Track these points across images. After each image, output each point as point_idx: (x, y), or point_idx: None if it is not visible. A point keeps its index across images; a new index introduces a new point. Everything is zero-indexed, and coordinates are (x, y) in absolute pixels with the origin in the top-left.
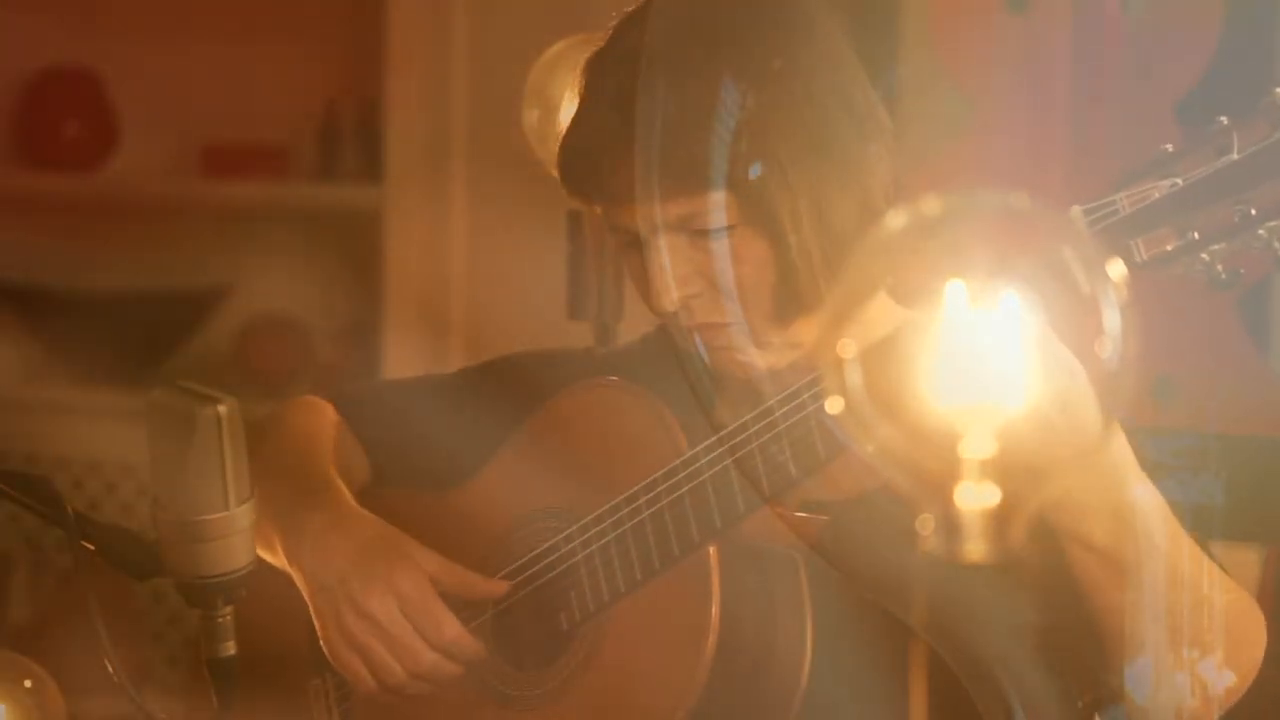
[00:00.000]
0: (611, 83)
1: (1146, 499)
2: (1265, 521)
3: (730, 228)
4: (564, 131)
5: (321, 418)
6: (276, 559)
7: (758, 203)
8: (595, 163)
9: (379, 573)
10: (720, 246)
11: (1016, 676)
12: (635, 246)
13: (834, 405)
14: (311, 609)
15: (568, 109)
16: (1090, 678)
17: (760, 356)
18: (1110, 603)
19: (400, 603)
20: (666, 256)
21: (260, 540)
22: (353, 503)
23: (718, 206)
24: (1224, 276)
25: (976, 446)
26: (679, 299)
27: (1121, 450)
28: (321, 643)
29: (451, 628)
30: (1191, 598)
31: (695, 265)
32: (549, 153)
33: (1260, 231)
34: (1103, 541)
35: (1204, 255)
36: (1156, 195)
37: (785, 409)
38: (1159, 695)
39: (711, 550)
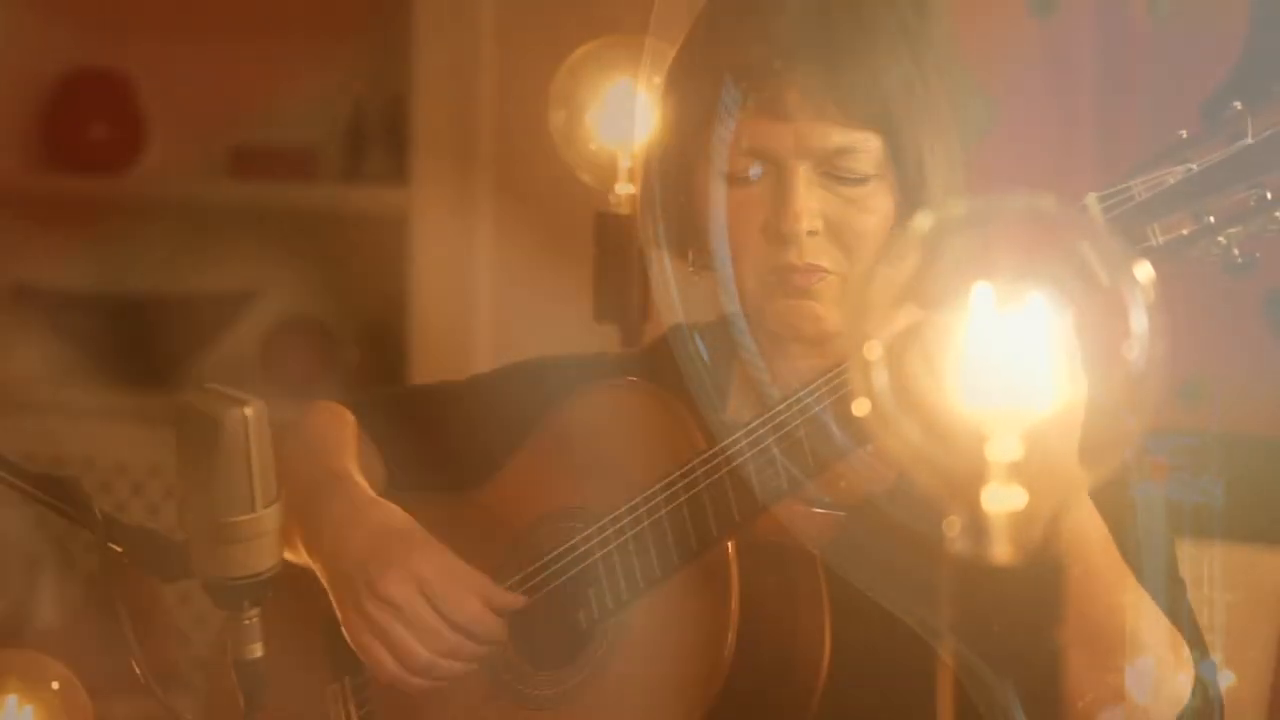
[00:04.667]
0: (802, 17)
1: (1091, 521)
2: (1266, 521)
3: (867, 178)
4: (735, 31)
5: (339, 420)
6: (297, 554)
7: (903, 156)
8: (779, 71)
9: (396, 556)
10: (856, 192)
11: (1017, 677)
12: (749, 182)
13: (860, 407)
14: (332, 598)
15: (594, 110)
16: (1091, 678)
17: (837, 318)
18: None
19: (420, 584)
20: (805, 184)
21: (282, 539)
22: (370, 492)
23: (870, 149)
24: (1240, 260)
25: (1002, 449)
26: (803, 230)
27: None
28: (344, 630)
29: (472, 607)
30: (1117, 624)
31: (823, 205)
32: (576, 154)
33: (1277, 214)
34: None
35: (1220, 239)
36: (1171, 181)
37: (803, 404)
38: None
39: (730, 546)
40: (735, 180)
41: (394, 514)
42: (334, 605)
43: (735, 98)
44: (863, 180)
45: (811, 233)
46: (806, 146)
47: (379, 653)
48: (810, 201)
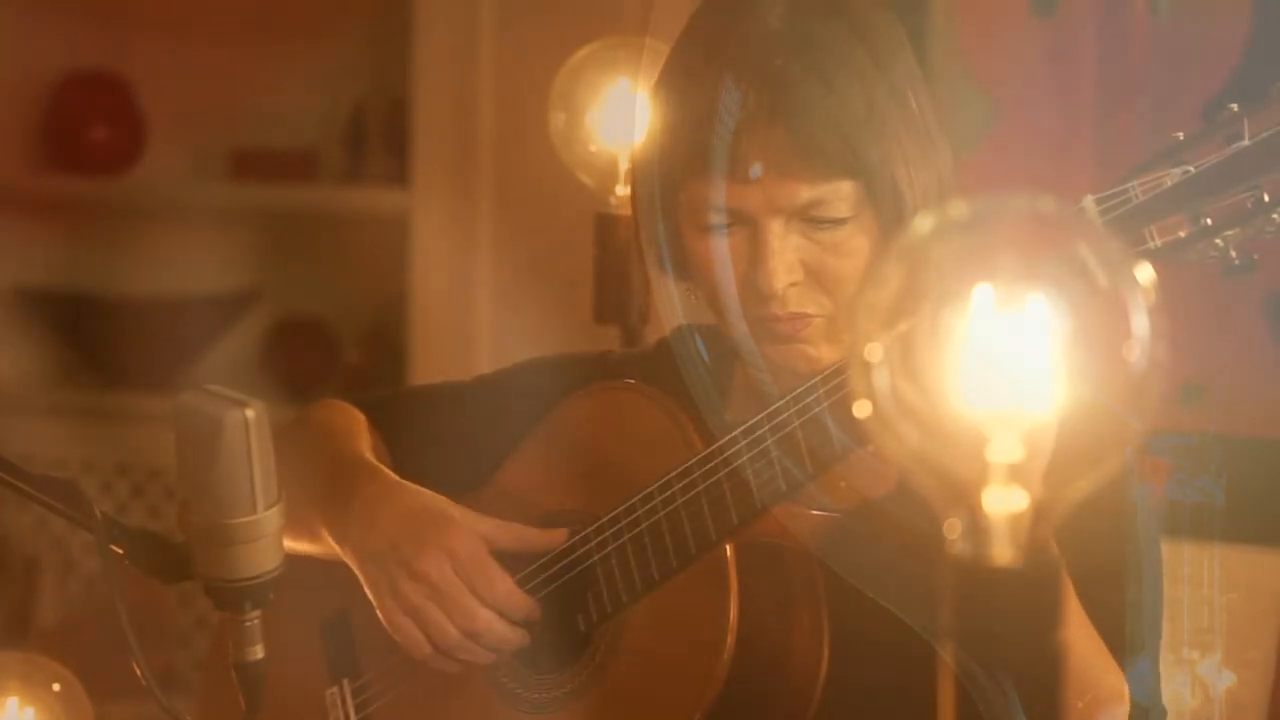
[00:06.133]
0: (758, 63)
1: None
2: (1265, 522)
3: (844, 221)
4: (689, 102)
5: (349, 415)
6: (321, 547)
7: (879, 193)
8: (740, 137)
9: (430, 534)
10: (833, 237)
11: (1019, 679)
12: (727, 231)
13: (861, 409)
14: (363, 580)
15: (594, 112)
16: (1090, 678)
17: (830, 353)
18: None
19: (453, 562)
20: (779, 240)
21: (302, 533)
22: (394, 475)
23: (843, 196)
24: (1238, 262)
25: (1004, 451)
26: (780, 286)
27: None
28: (377, 611)
29: (504, 584)
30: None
31: (800, 254)
32: (576, 156)
33: (1274, 216)
34: None
35: (1218, 241)
36: (1169, 183)
37: (799, 406)
38: None
39: (728, 548)
40: (714, 231)
41: (424, 493)
42: (365, 588)
43: (695, 164)
44: (840, 223)
45: (792, 284)
46: (777, 205)
47: (412, 632)
48: (786, 254)
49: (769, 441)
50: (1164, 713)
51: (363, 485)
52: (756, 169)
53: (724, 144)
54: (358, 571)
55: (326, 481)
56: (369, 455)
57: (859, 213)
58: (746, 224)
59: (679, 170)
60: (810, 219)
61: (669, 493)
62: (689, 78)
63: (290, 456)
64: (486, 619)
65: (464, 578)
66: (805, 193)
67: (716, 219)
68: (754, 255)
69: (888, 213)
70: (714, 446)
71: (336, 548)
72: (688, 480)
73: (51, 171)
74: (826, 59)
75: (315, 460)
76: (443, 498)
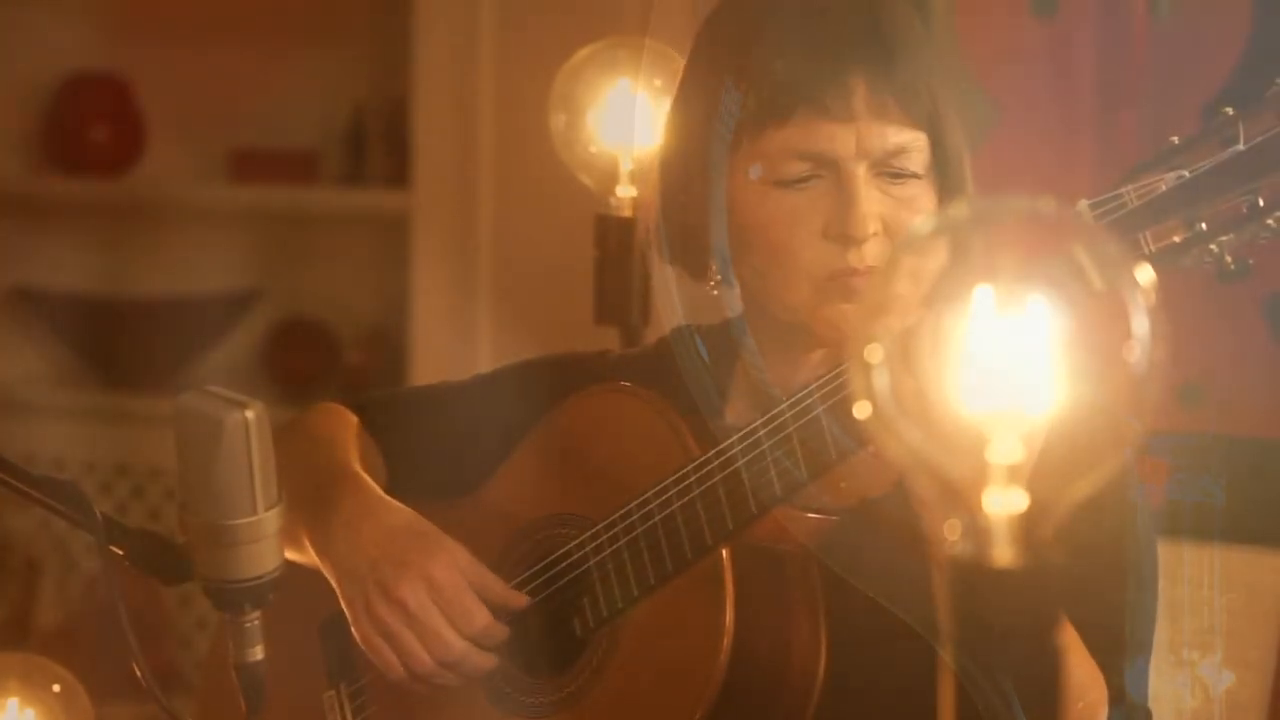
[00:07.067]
0: (856, 17)
1: None
2: (1265, 522)
3: (916, 175)
4: (791, 37)
5: (342, 421)
6: (303, 555)
7: (945, 155)
8: (841, 75)
9: (412, 559)
10: (907, 191)
11: (1019, 680)
12: (799, 187)
13: (861, 410)
14: (341, 596)
15: (594, 113)
16: (1082, 683)
17: None
18: None
19: (431, 590)
20: (866, 186)
21: (287, 542)
22: (380, 491)
23: (921, 147)
24: (1233, 267)
25: (1004, 451)
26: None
27: None
28: (352, 628)
29: (482, 617)
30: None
31: (880, 207)
32: (576, 157)
33: (1269, 221)
34: None
35: (1213, 246)
36: (1164, 187)
37: (796, 410)
38: None
39: (724, 553)
40: (785, 186)
41: (407, 514)
42: (342, 604)
43: (787, 103)
44: (914, 178)
45: (874, 234)
46: (866, 148)
47: (387, 655)
48: (872, 204)
49: (766, 445)
50: (1149, 714)
51: (346, 499)
52: (853, 102)
53: (824, 80)
54: (335, 585)
55: (312, 492)
56: (356, 466)
57: (928, 172)
58: (830, 172)
59: (762, 116)
60: (889, 171)
61: (665, 497)
62: (780, 21)
63: (278, 464)
64: (462, 650)
65: (442, 607)
66: (894, 137)
67: (795, 169)
68: (841, 203)
69: (950, 177)
70: (711, 452)
71: (317, 559)
72: (683, 485)
73: (52, 172)
74: (902, 14)
75: (302, 469)
76: (426, 520)
